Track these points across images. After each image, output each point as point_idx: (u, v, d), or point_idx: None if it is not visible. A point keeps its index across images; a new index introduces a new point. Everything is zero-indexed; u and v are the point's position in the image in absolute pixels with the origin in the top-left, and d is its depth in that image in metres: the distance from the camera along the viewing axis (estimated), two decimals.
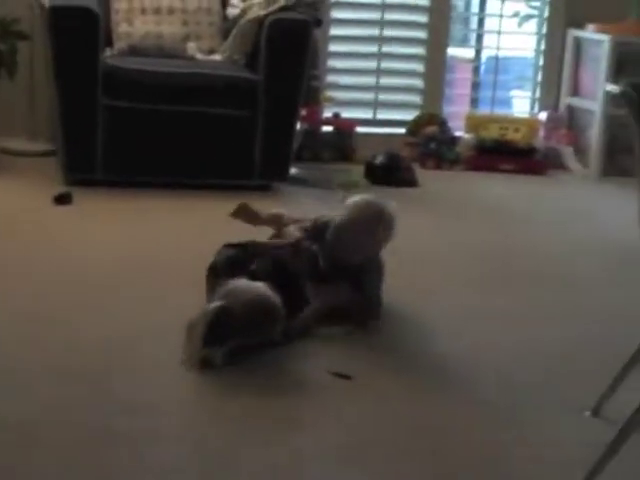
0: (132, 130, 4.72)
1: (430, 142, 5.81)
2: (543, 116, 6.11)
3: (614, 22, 5.79)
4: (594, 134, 5.82)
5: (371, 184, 5.25)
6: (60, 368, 2.70)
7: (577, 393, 2.73)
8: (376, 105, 6.04)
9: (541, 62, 6.23)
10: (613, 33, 5.69)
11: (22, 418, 2.39)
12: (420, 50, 6.05)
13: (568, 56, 6.08)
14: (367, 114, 6.03)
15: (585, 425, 2.55)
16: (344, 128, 5.80)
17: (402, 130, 5.95)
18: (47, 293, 3.32)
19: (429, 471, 2.28)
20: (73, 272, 3.55)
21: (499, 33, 6.21)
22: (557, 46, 6.14)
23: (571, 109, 6.09)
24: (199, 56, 5.06)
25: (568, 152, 5.96)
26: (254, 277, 2.94)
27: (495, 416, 2.60)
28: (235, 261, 3.07)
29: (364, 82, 6.04)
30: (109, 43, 4.99)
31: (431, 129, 5.85)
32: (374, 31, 5.95)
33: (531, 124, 6.04)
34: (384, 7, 5.92)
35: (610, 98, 5.65)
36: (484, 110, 6.28)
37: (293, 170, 5.10)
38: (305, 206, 4.77)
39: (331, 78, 5.94)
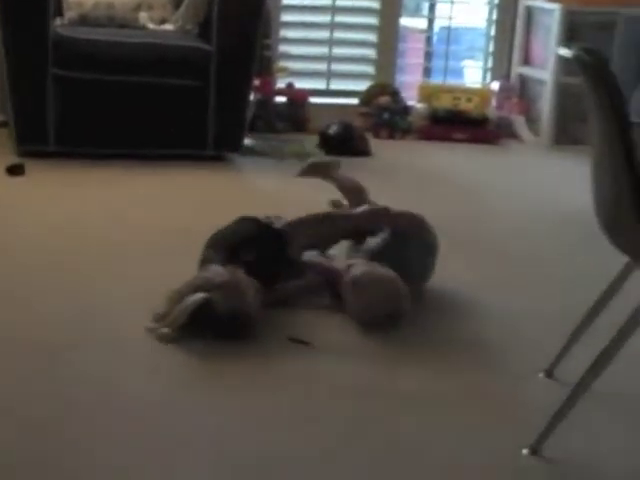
0: (84, 101, 4.68)
1: (383, 112, 5.82)
2: (495, 86, 6.15)
3: None
4: (545, 103, 5.86)
5: (325, 154, 5.25)
6: (16, 340, 2.69)
7: (531, 356, 2.76)
8: (329, 75, 6.04)
9: (493, 32, 6.26)
10: (564, 2, 5.72)
11: None
12: (373, 20, 6.05)
13: (520, 26, 6.11)
14: (320, 84, 6.03)
15: (539, 387, 2.59)
16: (297, 98, 5.79)
17: (355, 100, 5.96)
18: (0, 264, 3.30)
19: (380, 432, 2.29)
20: (26, 243, 3.52)
21: (452, 2, 6.22)
22: (509, 16, 6.17)
23: (523, 78, 6.13)
24: (151, 26, 5.03)
25: (520, 121, 6.00)
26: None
27: (449, 376, 2.63)
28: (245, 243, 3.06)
29: (317, 52, 6.04)
30: (59, 12, 4.94)
31: (384, 99, 5.86)
32: (327, 1, 5.94)
33: (483, 94, 6.07)
34: None
35: (561, 66, 5.68)
36: (437, 80, 6.30)
37: (246, 141, 5.09)
38: (258, 176, 4.77)
39: (283, 48, 5.93)
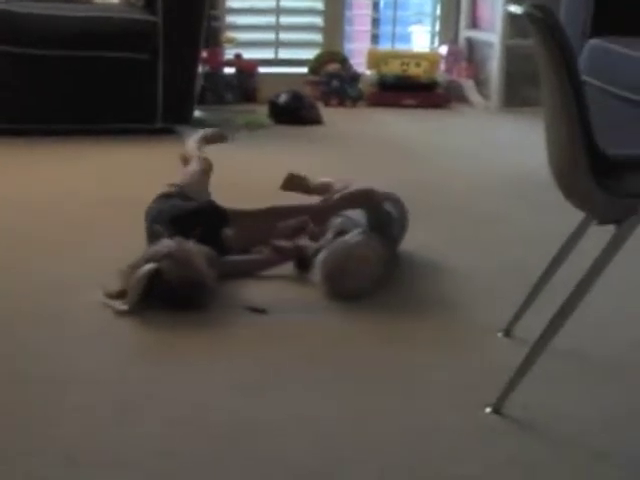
0: (26, 77, 4.62)
1: (332, 80, 5.81)
2: (443, 50, 6.15)
3: None
4: (494, 65, 5.88)
5: (275, 123, 5.24)
6: None
7: (489, 316, 2.78)
8: (277, 45, 6.01)
9: None
10: None
11: None
12: None
13: None
14: (269, 54, 6.00)
15: (497, 346, 2.60)
16: (246, 69, 5.76)
17: (304, 69, 5.94)
18: None
19: (341, 396, 2.30)
20: None
21: None
22: None
23: (471, 42, 6.14)
24: None
25: (469, 85, 6.01)
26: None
27: (410, 340, 2.63)
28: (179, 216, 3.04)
29: (264, 22, 6.00)
30: None
31: (333, 67, 5.85)
32: None
33: (432, 58, 6.07)
34: None
35: (508, 28, 5.70)
36: (385, 46, 6.29)
37: (196, 113, 5.05)
38: (209, 149, 4.74)
39: (230, 19, 5.88)
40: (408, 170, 4.46)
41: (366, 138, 5.12)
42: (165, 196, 3.18)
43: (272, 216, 3.12)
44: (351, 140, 5.05)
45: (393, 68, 5.97)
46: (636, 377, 2.48)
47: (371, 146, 4.94)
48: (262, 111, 5.36)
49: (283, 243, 3.06)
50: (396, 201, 3.28)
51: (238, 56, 5.77)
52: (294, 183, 3.53)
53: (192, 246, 2.82)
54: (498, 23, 5.78)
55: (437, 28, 6.30)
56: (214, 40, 5.37)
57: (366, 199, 3.15)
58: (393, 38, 6.33)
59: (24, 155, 4.39)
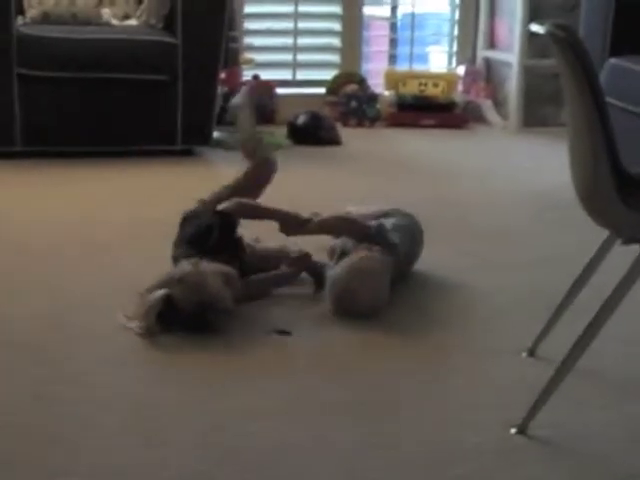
0: (50, 99, 4.64)
1: (351, 100, 5.82)
2: (461, 70, 6.15)
3: None
4: (512, 86, 5.87)
5: (294, 144, 5.25)
6: None
7: (514, 336, 2.76)
8: (295, 66, 6.02)
9: (457, 16, 6.25)
10: None
11: None
12: (336, 9, 6.03)
13: (483, 9, 6.11)
14: (286, 75, 6.01)
15: (522, 366, 2.59)
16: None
17: (322, 90, 5.95)
18: None
19: (364, 416, 2.29)
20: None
21: None
22: None
23: (488, 62, 6.14)
24: (114, 22, 4.99)
25: (487, 105, 6.01)
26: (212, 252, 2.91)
27: (432, 361, 2.62)
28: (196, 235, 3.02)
29: (282, 43, 6.02)
30: (21, 11, 4.89)
31: (351, 87, 5.86)
32: None
33: (450, 78, 6.07)
34: None
35: (526, 48, 5.70)
36: (403, 66, 6.29)
37: (216, 134, 5.06)
38: (229, 169, 4.75)
39: (248, 40, 5.90)
40: (426, 189, 4.45)
41: (384, 158, 5.11)
42: (188, 218, 3.15)
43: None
44: (370, 160, 5.05)
45: (411, 88, 5.97)
46: None
47: (389, 166, 4.94)
48: (280, 132, 5.36)
49: (296, 255, 3.08)
50: (406, 216, 3.28)
51: (256, 77, 5.79)
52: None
53: (208, 267, 2.80)
54: (516, 43, 5.78)
55: (455, 48, 6.30)
56: (232, 61, 5.38)
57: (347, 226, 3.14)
58: (411, 59, 6.33)
59: (45, 177, 4.40)
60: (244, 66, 5.71)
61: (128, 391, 2.39)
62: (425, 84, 5.99)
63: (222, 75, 5.18)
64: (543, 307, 2.69)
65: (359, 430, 2.22)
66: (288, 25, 5.96)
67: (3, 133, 4.60)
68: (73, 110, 4.67)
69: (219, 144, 5.10)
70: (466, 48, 6.24)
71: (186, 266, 2.81)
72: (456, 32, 6.27)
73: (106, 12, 4.99)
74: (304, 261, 3.10)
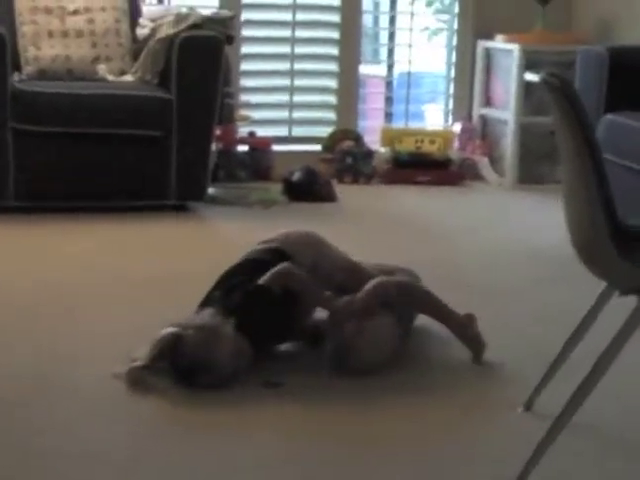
0: (45, 154, 4.62)
1: (346, 157, 5.81)
2: (457, 127, 6.15)
3: (522, 32, 5.87)
4: (508, 143, 5.87)
5: (289, 201, 5.22)
6: None
7: (510, 390, 2.73)
8: (291, 122, 6.02)
9: (453, 74, 6.27)
10: (521, 42, 5.75)
11: None
12: (332, 66, 6.05)
13: (479, 67, 6.13)
14: (282, 132, 6.01)
15: (518, 421, 2.55)
16: (260, 147, 5.77)
17: (318, 147, 5.95)
18: None
19: (359, 474, 2.24)
20: None
21: (410, 46, 6.23)
22: (467, 58, 6.19)
23: (484, 119, 6.14)
24: (110, 78, 4.99)
25: (483, 162, 6.00)
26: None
27: (429, 417, 2.58)
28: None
29: (278, 100, 6.02)
30: (17, 68, 4.89)
31: (347, 144, 5.85)
32: (285, 48, 5.94)
33: (446, 136, 6.07)
34: (295, 24, 5.91)
35: (522, 106, 5.71)
36: (399, 124, 6.30)
37: (210, 190, 5.04)
38: (223, 225, 4.73)
39: (244, 97, 5.91)
40: (422, 247, 4.42)
41: (380, 215, 5.09)
42: (254, 259, 3.05)
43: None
44: (365, 217, 5.03)
45: (407, 145, 5.97)
46: None
47: (385, 223, 4.91)
48: (276, 188, 5.35)
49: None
50: (408, 273, 3.26)
51: (252, 134, 5.78)
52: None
53: (227, 331, 2.74)
54: (512, 101, 5.79)
55: (451, 106, 6.31)
56: (228, 117, 5.37)
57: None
58: (407, 116, 6.34)
59: (39, 232, 4.38)
60: (240, 123, 5.71)
61: (112, 445, 2.34)
62: (421, 141, 5.99)
63: (217, 132, 5.18)
64: (539, 361, 2.65)
65: None
66: (284, 82, 5.97)
67: None
68: (68, 165, 4.65)
69: (213, 200, 5.08)
70: (462, 106, 6.25)
71: (208, 317, 2.76)
72: (452, 90, 6.29)
73: (102, 68, 4.99)
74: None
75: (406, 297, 3.04)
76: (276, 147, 5.83)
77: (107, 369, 2.74)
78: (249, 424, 2.50)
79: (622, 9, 5.76)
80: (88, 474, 2.19)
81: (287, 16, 5.91)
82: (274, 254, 3.05)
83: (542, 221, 4.93)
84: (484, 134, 6.12)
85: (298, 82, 5.99)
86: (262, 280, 2.88)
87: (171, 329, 2.69)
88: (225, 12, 5.10)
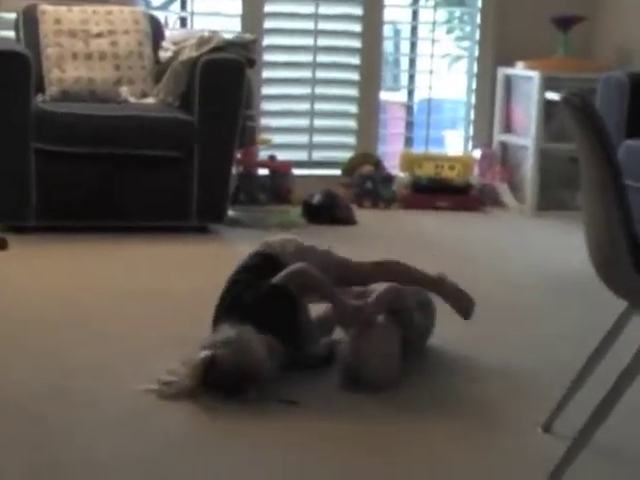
0: (66, 175, 4.65)
1: (366, 181, 5.82)
2: (477, 153, 6.16)
3: (542, 59, 5.88)
4: (528, 169, 5.88)
5: (309, 223, 5.24)
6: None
7: (529, 412, 2.72)
8: (311, 147, 6.05)
9: (473, 101, 6.29)
10: (542, 69, 5.77)
11: None
12: (353, 91, 6.08)
13: (499, 94, 6.14)
14: (302, 156, 6.03)
15: (537, 442, 2.53)
16: (280, 170, 5.79)
17: (337, 171, 5.96)
18: None
19: None
20: (10, 315, 3.47)
21: (430, 73, 6.25)
22: (488, 84, 6.21)
23: (504, 145, 6.15)
24: (132, 99, 5.03)
25: (503, 188, 6.01)
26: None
27: (447, 437, 2.57)
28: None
29: (298, 124, 6.05)
30: (41, 89, 4.93)
31: (367, 168, 5.87)
32: (307, 73, 5.97)
33: (466, 161, 6.08)
34: (316, 49, 5.95)
35: (542, 132, 5.72)
36: (419, 149, 6.31)
37: (230, 212, 5.06)
38: (243, 247, 4.73)
39: (265, 121, 5.94)
40: (441, 269, 4.40)
41: (399, 238, 5.09)
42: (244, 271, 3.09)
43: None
44: (384, 240, 5.03)
45: (427, 170, 5.98)
46: None
47: (404, 246, 4.90)
48: (295, 211, 5.36)
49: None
50: (418, 292, 3.26)
51: (272, 157, 5.81)
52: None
53: (253, 335, 2.76)
54: (532, 127, 5.80)
55: (471, 132, 6.32)
56: (249, 139, 5.39)
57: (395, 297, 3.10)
58: (427, 142, 6.35)
59: (60, 252, 4.39)
60: (260, 146, 5.73)
61: (137, 459, 2.35)
62: (441, 166, 6.00)
63: (238, 154, 5.21)
64: (559, 382, 2.65)
65: None
66: (305, 107, 6.00)
67: (19, 207, 4.60)
68: (89, 185, 4.68)
69: (234, 222, 5.10)
70: (482, 132, 6.26)
71: (229, 331, 2.78)
72: (472, 116, 6.30)
73: (124, 90, 5.03)
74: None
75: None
76: (296, 171, 5.85)
77: (127, 383, 2.76)
78: (263, 440, 2.50)
79: None
80: None
81: (309, 41, 5.95)
82: (262, 258, 3.11)
83: (562, 246, 4.92)
84: (504, 160, 6.13)
85: (319, 106, 6.02)
86: (277, 279, 2.92)
87: (204, 353, 2.70)
88: (247, 36, 5.15)
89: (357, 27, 6.02)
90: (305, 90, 5.99)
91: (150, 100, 5.06)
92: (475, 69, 6.27)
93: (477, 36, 6.23)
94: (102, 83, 5.05)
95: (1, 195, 4.60)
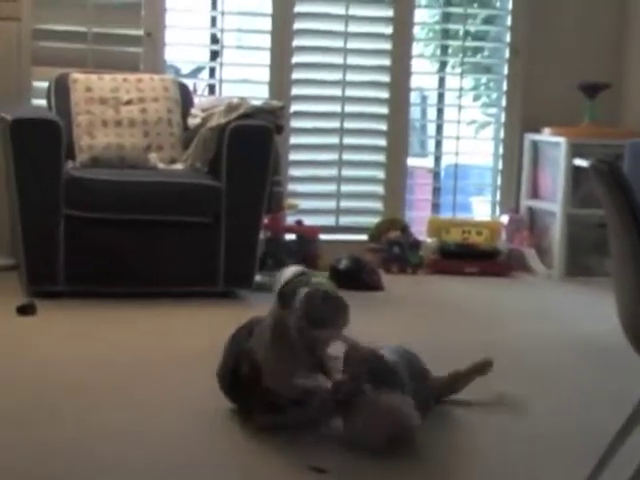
0: (94, 240, 4.69)
1: (393, 247, 5.83)
2: (504, 219, 6.17)
3: (569, 125, 5.90)
4: (556, 235, 5.87)
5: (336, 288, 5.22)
6: (26, 471, 2.62)
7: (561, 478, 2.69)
8: (338, 212, 6.07)
9: (500, 166, 6.31)
10: (568, 136, 5.79)
11: None
12: (380, 157, 6.11)
13: (526, 160, 6.16)
14: (330, 221, 6.05)
15: None
16: (307, 235, 5.80)
17: (364, 236, 5.97)
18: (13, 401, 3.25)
19: None
20: (39, 381, 3.48)
21: (457, 139, 6.28)
22: (514, 150, 6.23)
23: (532, 211, 6.16)
24: (161, 166, 5.08)
25: (531, 253, 6.00)
26: None
27: None
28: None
29: (326, 190, 6.08)
30: (71, 156, 4.99)
31: (394, 233, 5.88)
32: (334, 139, 6.02)
33: (493, 227, 6.08)
34: (343, 116, 6.00)
35: (570, 198, 5.72)
36: (446, 215, 6.32)
37: (257, 277, 5.07)
38: None
39: (292, 186, 5.97)
40: (469, 334, 4.41)
41: (427, 303, 5.09)
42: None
43: None
44: (412, 305, 5.02)
45: (454, 236, 5.99)
46: None
47: (432, 311, 4.91)
48: (322, 276, 5.35)
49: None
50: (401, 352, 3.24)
51: (299, 222, 5.83)
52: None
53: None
54: (559, 192, 5.81)
55: (498, 198, 6.33)
56: (277, 205, 5.42)
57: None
58: (454, 207, 6.36)
59: (88, 317, 4.41)
60: (288, 211, 5.76)
61: None
62: (468, 232, 6.01)
63: (266, 220, 5.23)
64: (591, 450, 2.61)
65: None
66: (332, 172, 6.04)
67: (48, 272, 4.63)
68: (117, 251, 4.71)
69: (261, 287, 5.09)
70: (509, 198, 6.27)
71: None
72: (499, 182, 6.31)
73: (153, 156, 5.08)
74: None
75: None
76: (323, 236, 5.87)
77: (155, 447, 2.75)
78: None
79: None
80: None
81: (336, 107, 6.00)
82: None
83: (591, 312, 4.90)
84: (531, 225, 6.13)
85: (346, 172, 6.06)
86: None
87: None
88: (275, 102, 5.20)
89: (385, 94, 6.06)
90: (333, 156, 6.03)
91: (179, 166, 5.11)
92: (502, 135, 6.29)
93: (503, 103, 6.26)
94: (131, 149, 5.10)
95: (31, 260, 4.63)
